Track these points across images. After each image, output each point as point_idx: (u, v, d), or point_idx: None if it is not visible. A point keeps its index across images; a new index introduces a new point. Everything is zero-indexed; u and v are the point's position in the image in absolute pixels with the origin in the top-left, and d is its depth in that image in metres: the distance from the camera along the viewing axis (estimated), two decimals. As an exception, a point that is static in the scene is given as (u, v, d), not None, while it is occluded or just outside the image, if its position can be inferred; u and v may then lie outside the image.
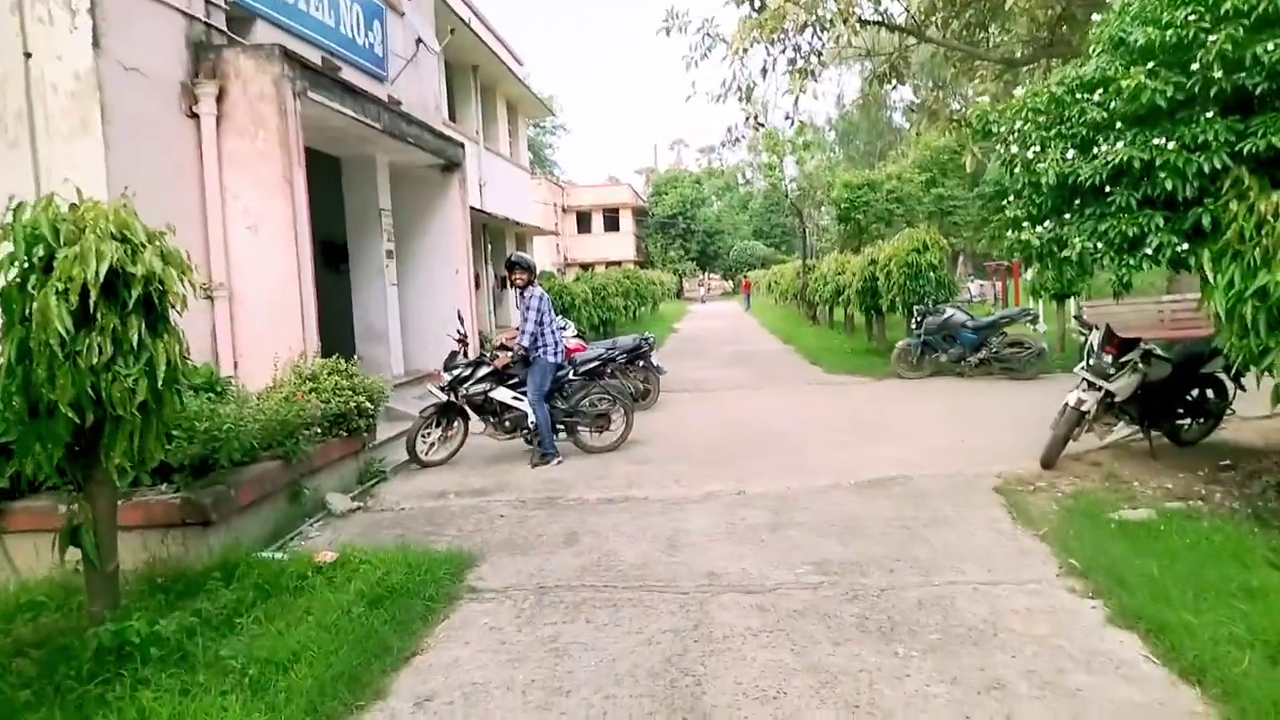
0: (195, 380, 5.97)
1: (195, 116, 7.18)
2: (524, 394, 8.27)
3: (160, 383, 3.92)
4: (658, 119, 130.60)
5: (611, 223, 54.22)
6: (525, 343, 8.18)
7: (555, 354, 8.37)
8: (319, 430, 6.81)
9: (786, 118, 10.91)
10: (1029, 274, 7.53)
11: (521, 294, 8.37)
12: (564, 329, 11.86)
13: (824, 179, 25.56)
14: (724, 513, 6.26)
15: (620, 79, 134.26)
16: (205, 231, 7.35)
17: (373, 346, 11.46)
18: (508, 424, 8.40)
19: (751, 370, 15.55)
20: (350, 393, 7.19)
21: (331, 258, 12.36)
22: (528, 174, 29.38)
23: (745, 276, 46.58)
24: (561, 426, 8.44)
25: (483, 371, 8.35)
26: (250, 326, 7.54)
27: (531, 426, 8.25)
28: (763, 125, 9.82)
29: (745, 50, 13.25)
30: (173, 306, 4.04)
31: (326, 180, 11.70)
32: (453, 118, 21.04)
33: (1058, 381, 10.82)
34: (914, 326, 12.88)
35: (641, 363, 11.08)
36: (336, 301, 11.78)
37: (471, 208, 20.56)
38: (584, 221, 53.84)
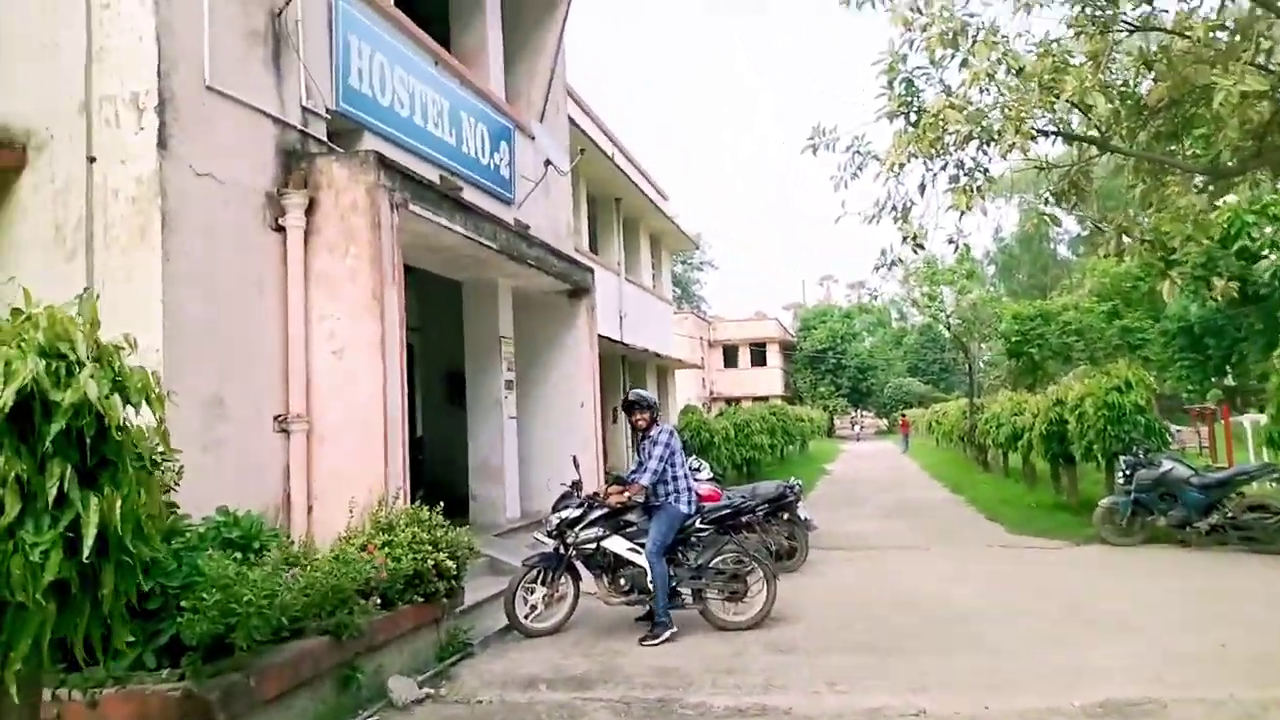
0: (231, 533, 4.88)
1: (281, 229, 6.48)
2: (642, 545, 6.82)
3: (96, 549, 2.77)
4: (805, 255, 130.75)
5: (759, 357, 53.08)
6: (645, 480, 6.82)
7: (687, 502, 6.95)
8: (384, 596, 5.57)
9: (950, 240, 9.30)
10: (1253, 419, 5.53)
11: (645, 437, 7.08)
12: (698, 470, 10.44)
13: (989, 310, 23.49)
14: (899, 747, 4.48)
15: (769, 215, 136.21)
16: (285, 357, 6.50)
17: (487, 485, 10.37)
18: (623, 582, 6.93)
19: (918, 525, 13.44)
20: (430, 548, 5.96)
21: (455, 390, 11.56)
22: (670, 307, 28.78)
23: (903, 415, 43.80)
24: (686, 592, 6.89)
25: (596, 514, 6.99)
26: (328, 463, 6.53)
27: (650, 587, 6.77)
28: (923, 247, 8.37)
29: (901, 166, 11.48)
30: (132, 442, 2.93)
31: (449, 307, 11.01)
32: (594, 249, 20.69)
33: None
34: (1122, 481, 10.62)
35: (786, 515, 9.41)
36: (457, 437, 10.88)
37: (611, 339, 19.88)
38: (730, 356, 52.97)
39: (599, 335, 18.12)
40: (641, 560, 6.79)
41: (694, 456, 10.79)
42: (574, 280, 11.14)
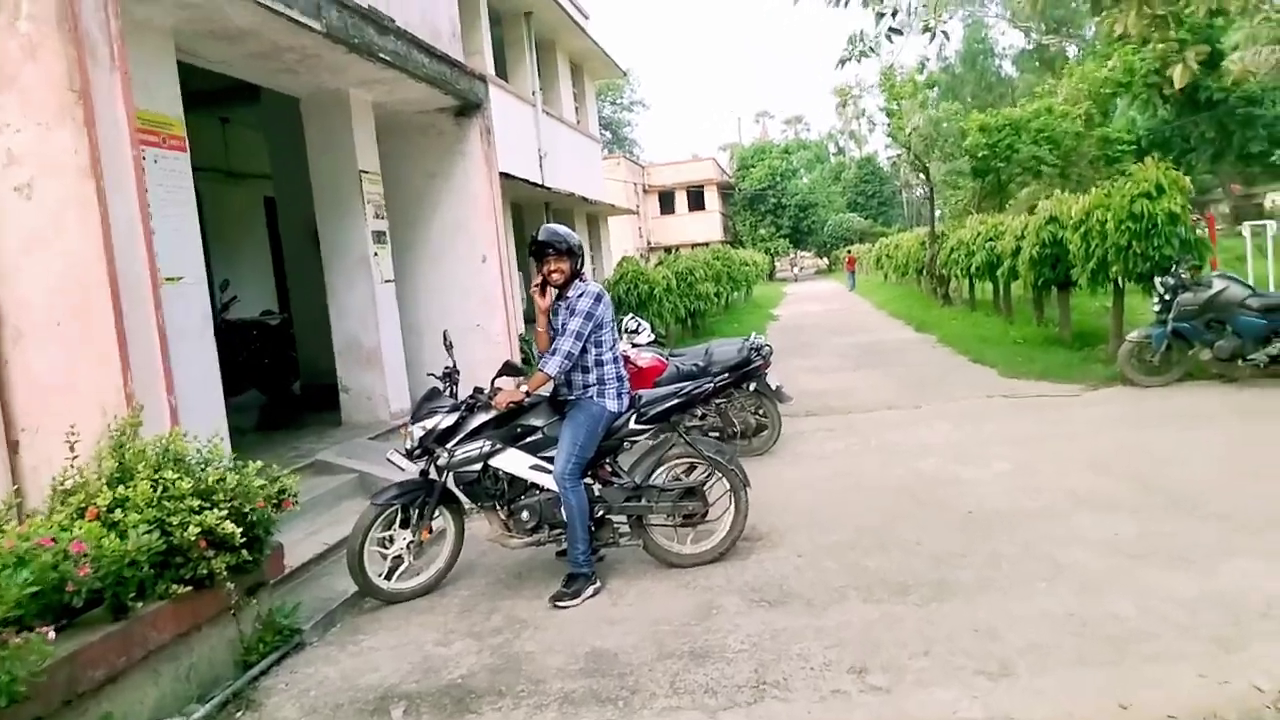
0: None
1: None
2: (551, 460, 4.57)
3: None
4: (740, 92, 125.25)
5: (696, 201, 50.25)
6: (553, 369, 4.50)
7: (616, 394, 4.67)
8: (117, 596, 3.25)
9: (926, 29, 6.86)
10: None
11: (561, 298, 4.70)
12: (636, 331, 8.13)
13: (954, 126, 20.97)
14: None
15: (698, 47, 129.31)
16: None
17: (358, 372, 7.95)
18: (525, 515, 4.68)
19: (895, 374, 11.47)
20: (194, 505, 3.60)
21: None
22: (599, 146, 25.71)
23: (848, 252, 41.84)
24: (619, 520, 4.71)
25: (479, 420, 4.67)
26: (35, 373, 4.03)
27: (564, 520, 4.58)
28: (900, 32, 5.94)
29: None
30: None
31: (292, 133, 8.22)
32: (503, 76, 17.53)
33: None
34: (1158, 307, 8.64)
35: (753, 385, 7.23)
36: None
37: (530, 183, 17.03)
38: (666, 202, 50.04)
39: (515, 179, 15.39)
40: (550, 482, 4.54)
41: (630, 315, 8.44)
42: (458, 91, 8.36)
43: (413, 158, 8.98)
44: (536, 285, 4.69)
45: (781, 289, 41.87)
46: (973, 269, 17.08)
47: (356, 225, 7.79)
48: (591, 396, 4.61)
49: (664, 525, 4.76)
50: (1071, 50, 41.69)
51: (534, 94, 18.45)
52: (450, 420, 4.61)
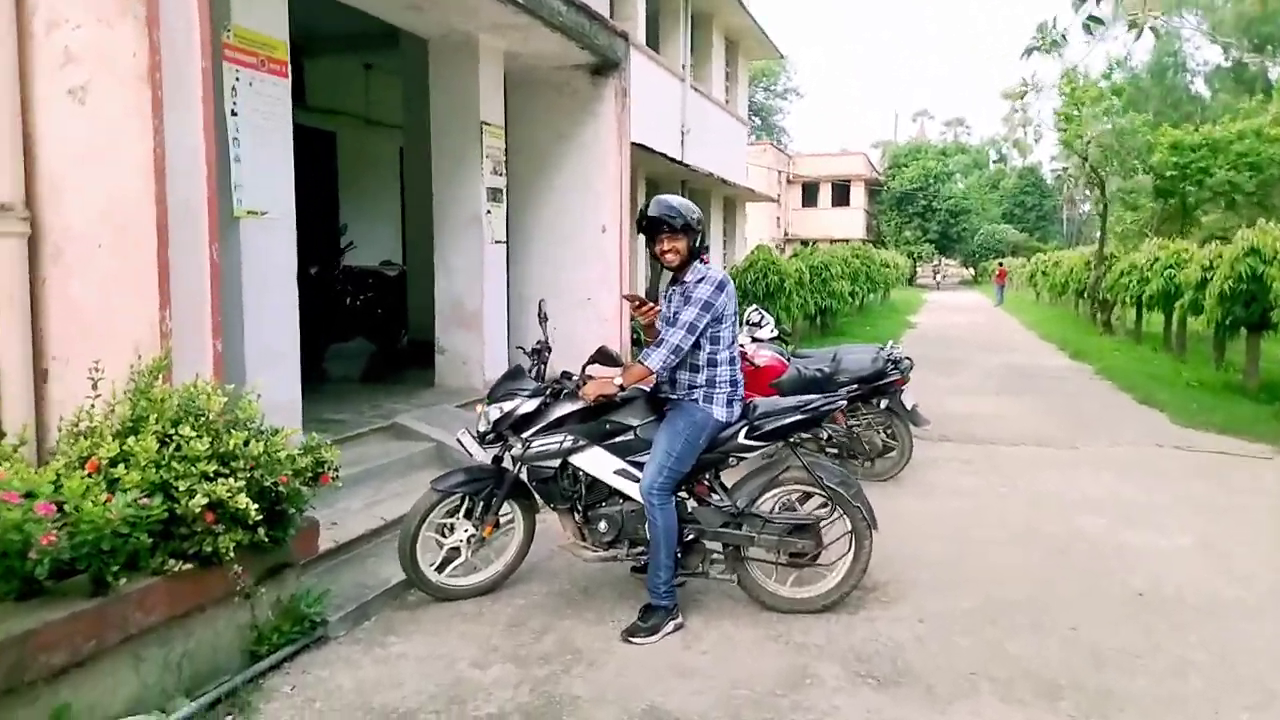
0: None
1: None
2: (640, 467, 3.85)
3: None
4: (899, 89, 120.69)
5: (841, 196, 48.44)
6: (656, 363, 3.75)
7: (727, 402, 3.88)
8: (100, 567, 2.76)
9: (1132, 24, 5.65)
10: None
11: (677, 281, 3.97)
12: (759, 325, 7.30)
13: (1138, 139, 18.89)
14: None
15: (860, 38, 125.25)
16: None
17: (458, 335, 7.46)
18: (603, 526, 3.99)
19: (1046, 405, 10.19)
20: (204, 469, 3.07)
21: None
22: (745, 128, 24.72)
23: (1000, 264, 39.26)
24: (714, 549, 3.96)
25: (562, 410, 3.99)
26: (73, 296, 3.61)
27: (648, 537, 3.85)
28: (1100, 22, 4.70)
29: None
30: None
31: (423, 81, 7.76)
32: (654, 47, 16.87)
33: None
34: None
35: (884, 401, 6.29)
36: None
37: (668, 158, 16.31)
38: (810, 194, 48.46)
39: (653, 152, 14.72)
40: (636, 492, 3.83)
41: (755, 307, 7.58)
42: (595, 45, 7.71)
43: (541, 115, 8.41)
44: (633, 300, 3.93)
45: (921, 295, 39.81)
46: (1144, 297, 15.31)
47: (472, 179, 7.27)
48: (698, 400, 3.84)
49: (765, 560, 3.98)
50: (1276, 72, 37.60)
51: (684, 68, 17.72)
52: (530, 406, 3.94)
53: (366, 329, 10.25)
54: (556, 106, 8.37)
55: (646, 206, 3.87)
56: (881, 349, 6.75)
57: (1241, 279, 10.57)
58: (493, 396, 4.04)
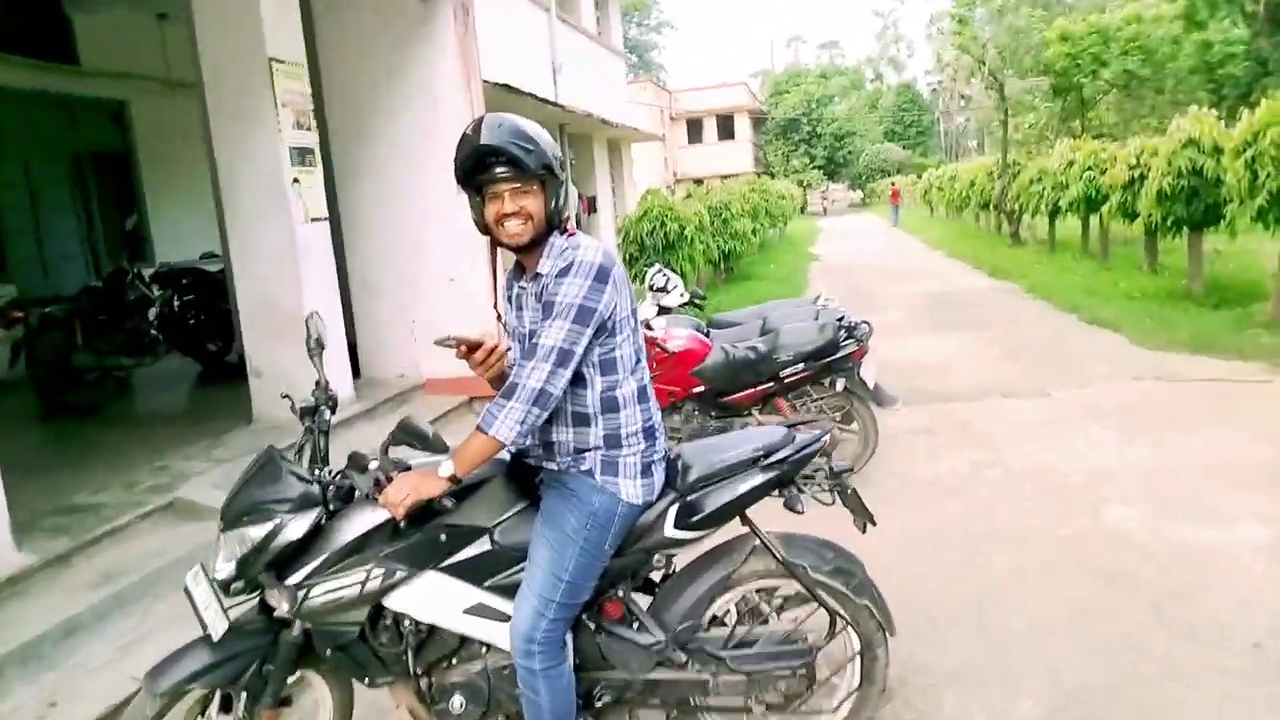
0: None
1: None
2: (507, 592, 2.27)
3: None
4: (770, 16, 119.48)
5: (726, 130, 46.98)
6: (505, 433, 2.11)
7: (643, 467, 2.29)
8: None
9: None
10: None
11: (526, 271, 2.32)
12: (665, 290, 5.72)
13: (1033, 37, 17.90)
14: None
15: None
16: None
17: (273, 347, 5.64)
18: (459, 702, 2.32)
19: (987, 340, 9.01)
20: None
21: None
22: (622, 62, 22.89)
23: (893, 183, 38.66)
24: (642, 707, 2.42)
25: (357, 525, 2.26)
26: None
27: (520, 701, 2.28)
28: None
29: None
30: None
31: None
32: (505, -27, 14.81)
33: None
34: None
35: (839, 380, 4.83)
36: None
37: (541, 99, 14.43)
38: (694, 131, 46.80)
39: (522, 93, 12.84)
40: (503, 638, 2.26)
41: (657, 267, 5.95)
42: (413, -50, 5.89)
43: (363, 47, 6.56)
44: (458, 346, 2.27)
45: (815, 224, 38.97)
46: (1062, 204, 14.42)
47: (265, 138, 5.42)
48: (592, 471, 2.28)
49: (729, 709, 2.46)
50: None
51: (547, -4, 15.81)
52: (300, 529, 2.23)
53: (184, 342, 8.32)
54: (382, 34, 6.53)
55: (469, 133, 2.21)
56: (818, 305, 5.33)
57: (1181, 174, 9.60)
58: (231, 513, 2.33)
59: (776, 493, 2.43)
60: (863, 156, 55.95)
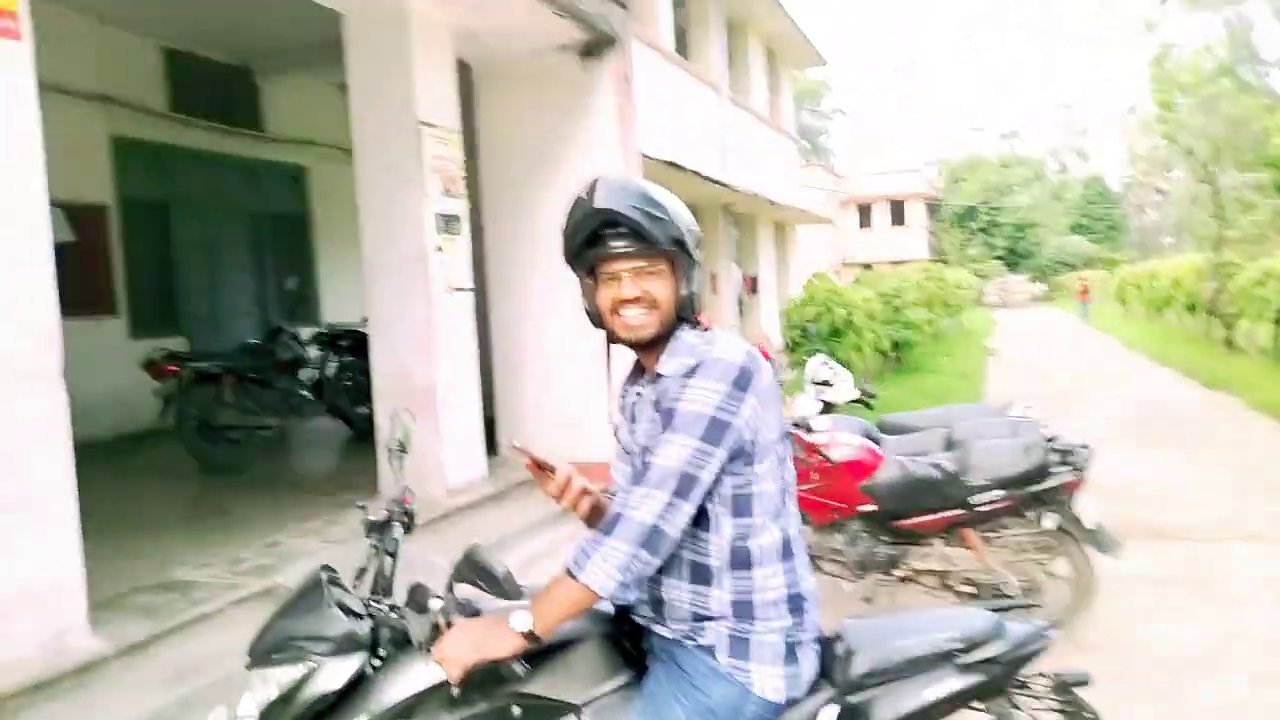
0: None
1: None
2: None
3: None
4: (949, 105, 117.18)
5: (898, 216, 45.78)
6: (604, 583, 1.52)
7: (787, 649, 1.62)
8: None
9: None
10: None
11: (641, 371, 1.77)
12: (828, 384, 4.95)
13: (1255, 126, 16.09)
14: None
15: (903, 57, 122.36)
16: None
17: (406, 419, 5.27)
18: None
19: (1212, 463, 7.62)
20: None
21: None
22: (793, 144, 22.50)
23: (1081, 278, 36.06)
24: None
25: (409, 684, 1.66)
26: None
27: None
28: None
29: None
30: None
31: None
32: (681, 53, 14.83)
33: None
34: None
35: (1048, 516, 3.89)
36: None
37: (708, 179, 14.10)
38: (865, 215, 45.88)
39: (687, 171, 12.58)
40: None
41: (820, 358, 5.19)
42: (580, 15, 5.61)
43: (521, 116, 6.33)
44: (530, 462, 1.81)
45: (991, 315, 36.78)
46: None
47: (411, 202, 5.18)
48: (714, 650, 1.62)
49: None
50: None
51: (720, 79, 15.67)
52: (336, 677, 1.69)
53: (334, 405, 8.24)
54: (540, 102, 6.28)
55: (583, 196, 1.66)
56: (1020, 418, 4.42)
57: None
58: (261, 647, 1.81)
59: (978, 701, 1.68)
60: (1046, 248, 53.02)
